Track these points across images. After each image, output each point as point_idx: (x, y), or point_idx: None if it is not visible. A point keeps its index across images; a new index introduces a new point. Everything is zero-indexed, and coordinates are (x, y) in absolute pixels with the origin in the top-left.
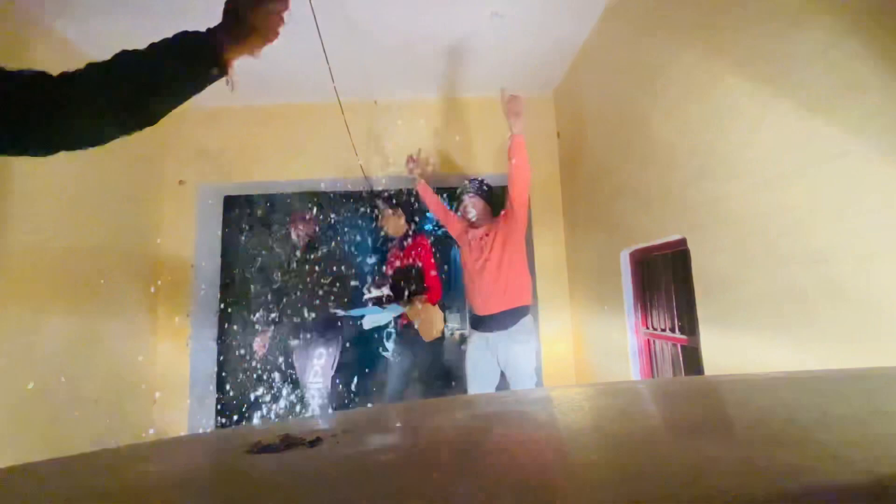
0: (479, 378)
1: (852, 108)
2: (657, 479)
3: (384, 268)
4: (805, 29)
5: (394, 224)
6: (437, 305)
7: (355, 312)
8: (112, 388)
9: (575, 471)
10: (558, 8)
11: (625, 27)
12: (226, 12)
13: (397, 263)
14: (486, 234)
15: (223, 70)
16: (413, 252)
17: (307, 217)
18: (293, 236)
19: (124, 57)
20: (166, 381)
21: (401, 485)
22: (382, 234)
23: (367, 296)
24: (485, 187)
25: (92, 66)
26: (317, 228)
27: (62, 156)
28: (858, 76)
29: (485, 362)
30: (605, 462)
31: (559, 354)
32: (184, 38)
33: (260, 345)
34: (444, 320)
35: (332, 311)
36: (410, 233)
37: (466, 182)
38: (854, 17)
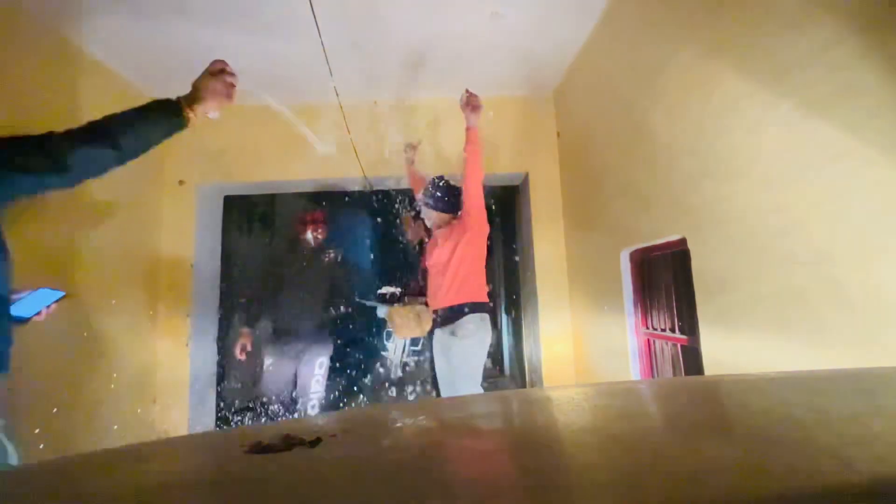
0: (438, 377)
1: (852, 109)
2: (657, 480)
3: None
4: (805, 29)
5: (413, 230)
6: (424, 305)
7: (369, 303)
8: (112, 388)
9: (575, 471)
10: (558, 8)
11: (625, 27)
12: (192, 85)
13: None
14: (444, 232)
15: (185, 122)
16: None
17: (309, 217)
18: (303, 236)
19: (112, 118)
20: (166, 381)
21: (400, 485)
22: (402, 238)
23: (380, 290)
24: (437, 194)
25: (90, 124)
26: (319, 229)
27: None
28: (858, 76)
29: (438, 360)
30: (606, 462)
31: (559, 354)
32: (157, 101)
33: (241, 349)
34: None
35: (357, 299)
36: (426, 239)
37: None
38: (854, 17)
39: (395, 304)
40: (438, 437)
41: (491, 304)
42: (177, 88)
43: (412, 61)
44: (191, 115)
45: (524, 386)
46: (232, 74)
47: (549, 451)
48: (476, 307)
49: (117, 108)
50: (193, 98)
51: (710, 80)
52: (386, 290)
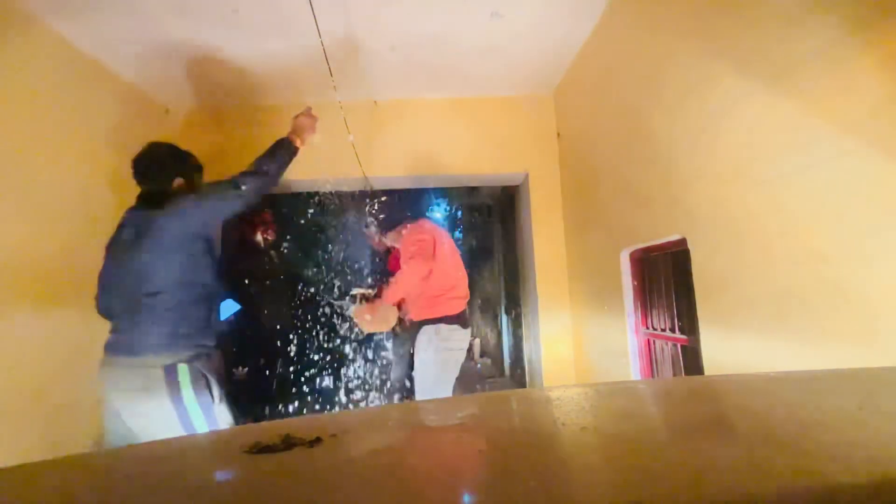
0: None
1: (852, 108)
2: (657, 480)
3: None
4: (805, 29)
5: (378, 242)
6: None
7: (338, 303)
8: None
9: (575, 471)
10: (558, 8)
11: (625, 27)
12: (291, 125)
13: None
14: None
15: (296, 148)
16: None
17: (267, 218)
18: (259, 237)
19: (261, 159)
20: None
21: (401, 484)
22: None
23: (352, 291)
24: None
25: (251, 166)
26: (269, 230)
27: (61, 156)
28: (858, 76)
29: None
30: (606, 463)
31: (559, 354)
32: (279, 140)
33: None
34: (401, 318)
35: (326, 299)
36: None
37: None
38: (854, 17)
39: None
40: (438, 437)
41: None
42: (177, 88)
43: (412, 61)
44: (297, 142)
45: (524, 386)
46: (313, 117)
47: (549, 451)
48: (440, 319)
49: (117, 107)
50: (294, 132)
51: (710, 80)
52: (356, 291)
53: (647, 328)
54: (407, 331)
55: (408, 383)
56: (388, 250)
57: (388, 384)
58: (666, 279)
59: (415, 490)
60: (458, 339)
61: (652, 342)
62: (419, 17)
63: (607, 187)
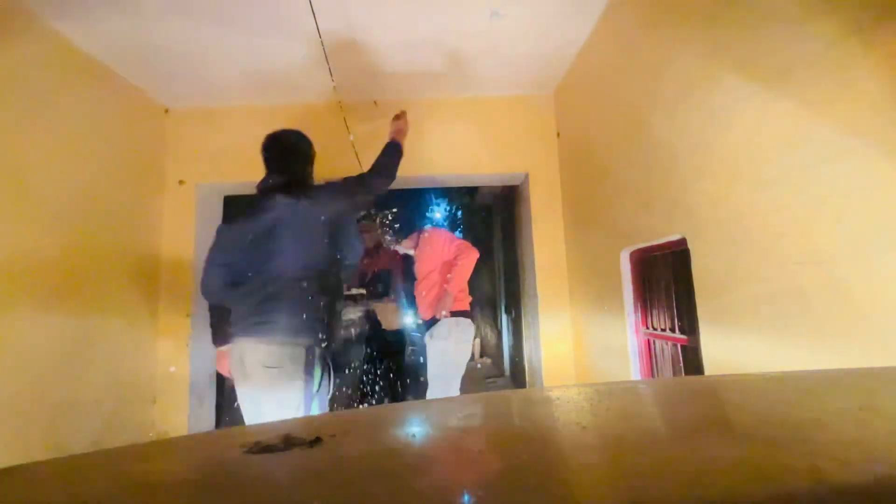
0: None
1: (852, 108)
2: (657, 480)
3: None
4: (805, 29)
5: (371, 236)
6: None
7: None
8: (112, 388)
9: (575, 471)
10: (558, 8)
11: (625, 27)
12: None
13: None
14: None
15: (401, 148)
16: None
17: None
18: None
19: (378, 162)
20: (166, 381)
21: (400, 485)
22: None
23: (351, 291)
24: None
25: (372, 167)
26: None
27: (60, 157)
28: (858, 76)
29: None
30: (606, 463)
31: (559, 354)
32: (389, 143)
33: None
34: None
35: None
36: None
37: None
38: (854, 17)
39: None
40: (438, 437)
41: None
42: (176, 88)
43: (412, 61)
44: (401, 142)
45: (524, 386)
46: (406, 120)
47: (549, 451)
48: (457, 313)
49: (117, 107)
50: (396, 134)
51: (710, 80)
52: (354, 290)
53: (647, 328)
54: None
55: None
56: (376, 249)
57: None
58: (666, 279)
59: (414, 490)
60: (470, 332)
61: (652, 342)
62: (419, 17)
63: (607, 187)
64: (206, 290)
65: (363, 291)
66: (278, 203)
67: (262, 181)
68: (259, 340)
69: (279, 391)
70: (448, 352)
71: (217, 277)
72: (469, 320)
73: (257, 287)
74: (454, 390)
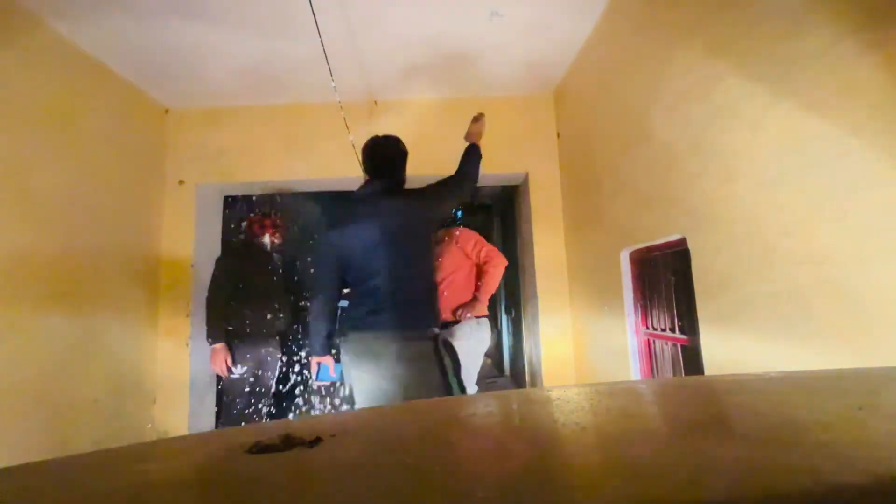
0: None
1: (852, 108)
2: (657, 480)
3: None
4: (805, 29)
5: None
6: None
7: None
8: (112, 388)
9: (575, 471)
10: (558, 8)
11: (625, 27)
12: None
13: None
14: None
15: (480, 150)
16: None
17: (268, 222)
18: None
19: (462, 168)
20: (166, 380)
21: (400, 485)
22: None
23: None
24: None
25: (460, 169)
26: (276, 234)
27: (60, 156)
28: (858, 76)
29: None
30: (606, 462)
31: (559, 354)
32: (469, 146)
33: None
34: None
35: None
36: None
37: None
38: (854, 17)
39: None
40: (438, 437)
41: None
42: (176, 88)
43: (412, 61)
44: (479, 144)
45: (524, 386)
46: (483, 122)
47: (549, 450)
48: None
49: (117, 107)
50: (474, 136)
51: (710, 80)
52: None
53: (647, 328)
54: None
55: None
56: None
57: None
58: (666, 279)
59: (414, 490)
60: (489, 332)
61: (652, 342)
62: (419, 17)
63: (607, 187)
64: (322, 289)
65: None
66: (397, 205)
67: (367, 185)
68: (394, 336)
69: (424, 381)
70: (470, 352)
71: (335, 278)
72: (487, 320)
73: (385, 284)
74: (473, 387)
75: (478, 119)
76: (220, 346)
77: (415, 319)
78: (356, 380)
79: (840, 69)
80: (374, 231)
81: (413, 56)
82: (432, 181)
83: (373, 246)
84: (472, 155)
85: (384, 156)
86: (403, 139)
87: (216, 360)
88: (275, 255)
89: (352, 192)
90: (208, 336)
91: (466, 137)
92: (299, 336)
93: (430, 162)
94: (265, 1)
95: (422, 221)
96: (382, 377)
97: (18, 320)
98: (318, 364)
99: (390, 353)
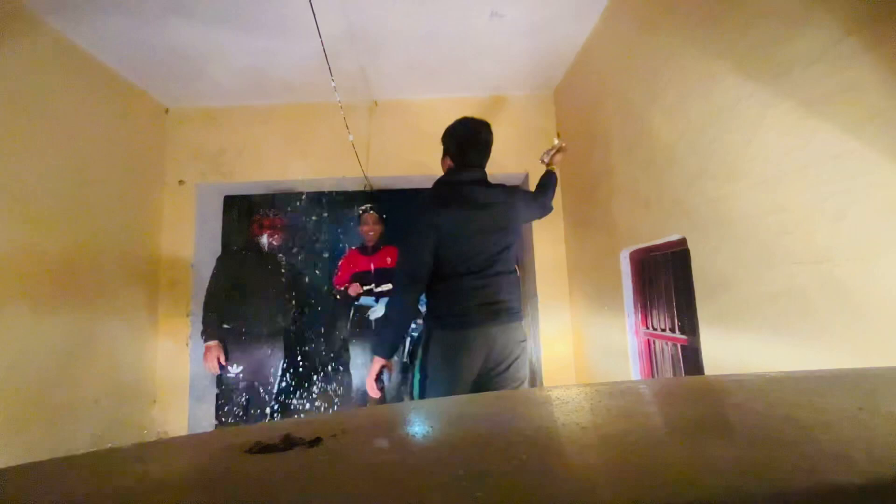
0: None
1: (852, 108)
2: (657, 480)
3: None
4: (805, 29)
5: (372, 228)
6: None
7: (365, 302)
8: (112, 388)
9: (575, 472)
10: (558, 8)
11: (625, 27)
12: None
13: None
14: None
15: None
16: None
17: (267, 222)
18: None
19: (542, 190)
20: (166, 380)
21: (400, 485)
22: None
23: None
24: None
25: (539, 187)
26: (276, 235)
27: (61, 157)
28: (858, 76)
29: None
30: (606, 463)
31: (559, 354)
32: (550, 174)
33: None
34: None
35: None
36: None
37: None
38: (854, 17)
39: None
40: (438, 438)
41: None
42: (176, 88)
43: (412, 61)
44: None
45: None
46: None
47: (549, 450)
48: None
49: (117, 107)
50: (556, 164)
51: (710, 80)
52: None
53: (647, 328)
54: None
55: None
56: (377, 247)
57: None
58: (666, 279)
59: (414, 490)
60: None
61: (652, 342)
62: (419, 17)
63: (607, 187)
64: (413, 281)
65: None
66: (504, 196)
67: (468, 171)
68: (507, 324)
69: (526, 361)
70: None
71: (427, 270)
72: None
73: (492, 273)
74: None
75: (563, 149)
76: (213, 343)
77: (518, 310)
78: (453, 371)
79: (840, 69)
80: (486, 220)
81: (413, 56)
82: (432, 181)
83: (487, 233)
84: (554, 186)
85: (487, 141)
86: (403, 139)
87: (209, 357)
88: (279, 255)
89: (444, 178)
90: (202, 333)
91: (549, 164)
92: (302, 336)
93: (429, 162)
94: (265, 1)
95: (519, 219)
96: (497, 363)
97: (18, 320)
98: (382, 368)
99: (506, 340)
